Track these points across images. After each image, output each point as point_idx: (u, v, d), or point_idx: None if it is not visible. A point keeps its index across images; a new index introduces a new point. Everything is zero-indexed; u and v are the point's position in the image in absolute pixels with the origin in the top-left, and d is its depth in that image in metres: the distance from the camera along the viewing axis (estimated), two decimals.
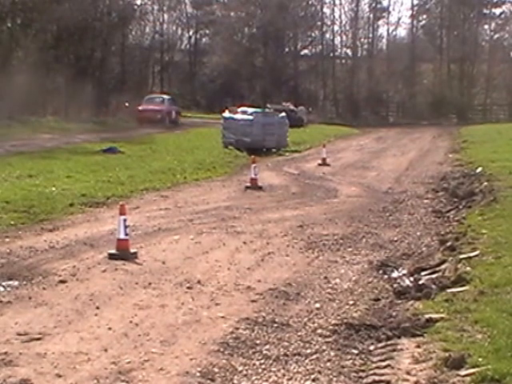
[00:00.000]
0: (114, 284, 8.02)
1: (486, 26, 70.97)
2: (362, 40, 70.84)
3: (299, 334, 6.54)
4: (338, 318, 7.02)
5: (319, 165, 22.78)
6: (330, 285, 8.26)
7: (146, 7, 62.28)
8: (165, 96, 46.69)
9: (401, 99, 70.01)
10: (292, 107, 47.89)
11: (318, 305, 7.44)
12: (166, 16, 68.13)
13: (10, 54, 40.87)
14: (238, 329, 6.59)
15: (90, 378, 5.40)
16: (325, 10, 71.02)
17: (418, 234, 11.47)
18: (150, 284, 8.06)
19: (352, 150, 31.23)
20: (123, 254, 9.21)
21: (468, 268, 8.25)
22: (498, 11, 70.13)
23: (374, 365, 5.85)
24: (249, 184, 16.78)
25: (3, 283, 7.91)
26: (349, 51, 71.21)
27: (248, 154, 23.56)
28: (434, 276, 8.35)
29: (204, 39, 73.24)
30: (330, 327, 6.73)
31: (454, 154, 26.86)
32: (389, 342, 6.30)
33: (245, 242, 10.45)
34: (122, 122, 43.89)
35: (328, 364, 5.85)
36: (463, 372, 5.39)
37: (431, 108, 63.97)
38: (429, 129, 50.83)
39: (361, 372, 5.72)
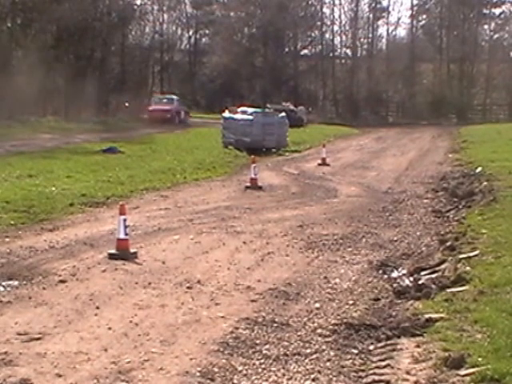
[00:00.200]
0: (114, 284, 8.02)
1: (486, 26, 71.08)
2: (362, 40, 70.89)
3: (299, 333, 6.55)
4: (338, 317, 7.02)
5: (319, 165, 22.79)
6: (330, 285, 8.26)
7: (146, 7, 62.36)
8: (174, 96, 47.61)
9: (400, 99, 70.04)
10: (292, 107, 47.92)
11: (317, 305, 7.45)
12: (165, 16, 68.19)
13: (9, 54, 40.87)
14: (237, 328, 6.59)
15: (90, 377, 5.41)
16: (324, 9, 71.21)
17: (418, 233, 11.47)
18: (149, 284, 8.06)
19: (352, 149, 31.24)
20: (123, 253, 9.21)
21: (468, 268, 8.26)
22: (497, 11, 70.30)
23: (373, 364, 5.85)
24: (249, 184, 16.79)
25: (3, 283, 7.92)
26: (348, 51, 71.33)
27: (248, 154, 23.58)
28: (433, 276, 8.36)
29: (204, 39, 73.32)
30: (330, 327, 6.73)
31: (453, 154, 26.87)
32: (388, 342, 6.31)
33: (245, 242, 10.45)
34: (122, 121, 43.92)
35: (328, 364, 5.85)
36: (463, 372, 5.39)
37: (431, 108, 63.98)
38: (428, 129, 50.84)
39: (360, 372, 5.72)
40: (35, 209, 12.43)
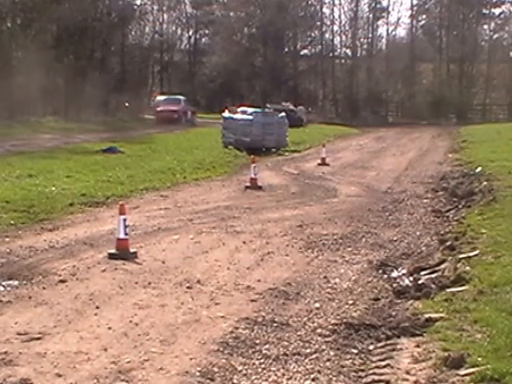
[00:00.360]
0: (114, 284, 8.03)
1: (486, 26, 71.12)
2: (362, 40, 70.92)
3: (299, 333, 6.55)
4: (338, 317, 7.02)
5: (319, 164, 22.79)
6: (330, 284, 8.26)
7: (146, 7, 62.44)
8: (181, 97, 48.22)
9: (400, 99, 70.09)
10: (291, 107, 47.93)
11: (317, 304, 7.45)
12: (165, 16, 68.28)
13: (10, 54, 40.87)
14: (237, 328, 6.59)
15: (90, 377, 5.41)
16: (324, 10, 71.27)
17: (418, 233, 11.47)
18: (149, 283, 8.06)
19: (351, 149, 31.24)
20: (123, 253, 9.22)
21: (467, 267, 8.26)
22: (497, 11, 70.35)
23: (373, 364, 5.85)
24: (248, 184, 16.79)
25: (3, 283, 7.92)
26: (348, 51, 71.37)
27: (248, 154, 23.58)
28: (433, 275, 8.36)
29: (204, 39, 73.40)
30: (330, 327, 6.73)
31: (453, 154, 26.87)
32: (388, 342, 6.31)
33: (244, 242, 10.45)
34: (122, 121, 43.94)
35: (327, 363, 5.85)
36: (463, 371, 5.39)
37: (430, 108, 63.96)
38: (428, 128, 50.85)
39: (360, 371, 5.72)
40: (35, 209, 12.43)
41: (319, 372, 5.66)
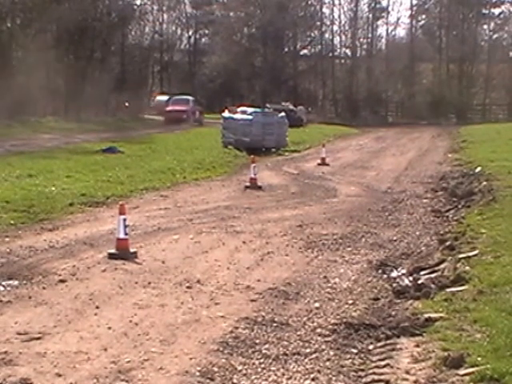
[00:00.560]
0: (114, 283, 8.03)
1: (485, 26, 71.13)
2: (362, 40, 70.96)
3: (298, 333, 6.55)
4: (338, 317, 7.02)
5: (318, 164, 22.79)
6: (330, 284, 8.27)
7: (146, 7, 62.46)
8: (189, 97, 49.08)
9: (400, 99, 70.09)
10: (291, 107, 47.95)
11: (317, 304, 7.45)
12: (165, 16, 68.33)
13: (10, 54, 40.87)
14: (237, 328, 6.60)
15: (90, 377, 5.41)
16: (324, 9, 71.31)
17: (418, 233, 11.47)
18: (149, 283, 8.07)
19: (351, 149, 31.24)
20: (123, 253, 9.22)
21: (467, 267, 8.26)
22: (496, 11, 70.37)
23: (373, 364, 5.86)
24: (248, 184, 16.79)
25: (3, 283, 7.92)
26: (348, 51, 71.40)
27: (247, 154, 23.59)
28: (433, 275, 8.36)
29: (203, 39, 73.39)
30: (330, 326, 6.74)
31: (453, 154, 26.86)
32: (388, 342, 6.31)
33: (244, 242, 10.46)
34: (122, 121, 43.96)
35: (327, 363, 5.86)
36: (462, 371, 5.40)
37: (430, 108, 63.97)
38: (428, 128, 50.85)
39: (360, 371, 5.72)
40: (35, 208, 12.43)
41: (319, 372, 5.67)
